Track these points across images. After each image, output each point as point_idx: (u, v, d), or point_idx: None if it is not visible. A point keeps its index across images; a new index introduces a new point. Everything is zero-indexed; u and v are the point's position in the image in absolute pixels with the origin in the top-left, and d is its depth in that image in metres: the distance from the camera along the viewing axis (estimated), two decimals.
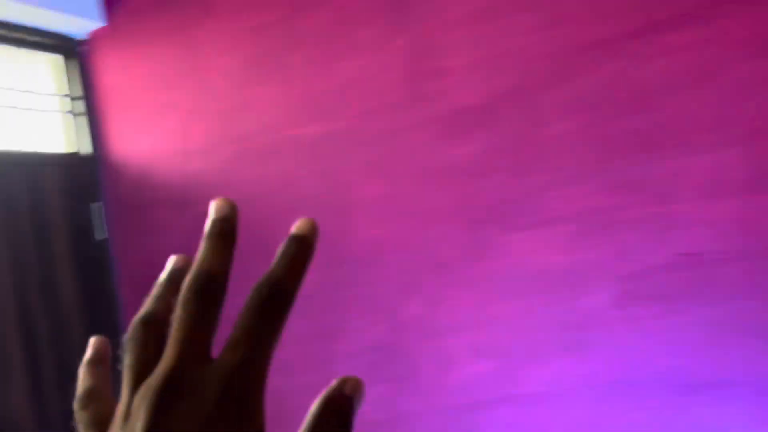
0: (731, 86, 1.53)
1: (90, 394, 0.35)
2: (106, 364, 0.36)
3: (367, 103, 1.96)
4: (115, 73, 2.24)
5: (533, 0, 1.74)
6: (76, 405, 0.34)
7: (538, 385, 1.77)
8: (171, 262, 0.36)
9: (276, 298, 0.31)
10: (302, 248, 0.33)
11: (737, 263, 1.54)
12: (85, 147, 2.27)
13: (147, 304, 0.34)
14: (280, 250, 0.33)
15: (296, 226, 0.34)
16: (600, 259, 1.68)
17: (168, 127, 2.17)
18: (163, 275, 0.36)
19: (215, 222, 0.34)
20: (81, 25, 2.21)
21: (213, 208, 0.35)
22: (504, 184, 1.80)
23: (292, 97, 2.05)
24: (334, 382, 0.31)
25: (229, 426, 0.29)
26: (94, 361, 0.37)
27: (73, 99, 2.28)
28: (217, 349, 0.31)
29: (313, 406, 0.31)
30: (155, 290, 0.35)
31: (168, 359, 0.31)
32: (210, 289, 0.32)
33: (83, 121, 2.27)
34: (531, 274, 1.77)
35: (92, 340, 0.37)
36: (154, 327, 0.33)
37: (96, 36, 2.25)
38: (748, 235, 1.53)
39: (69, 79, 2.29)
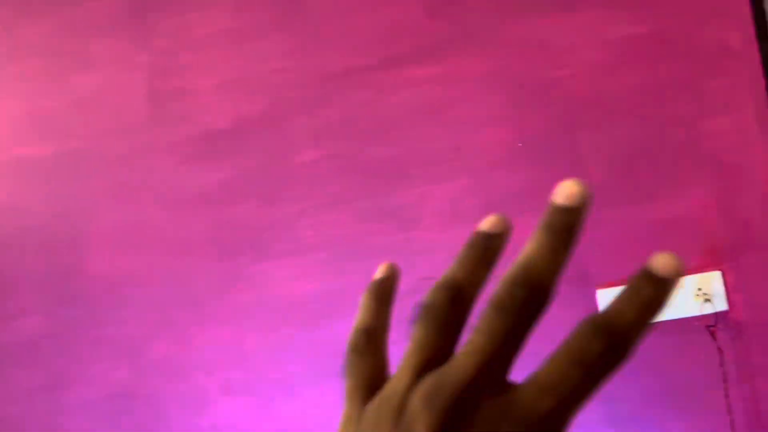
0: (463, 120, 1.64)
1: (371, 338, 0.30)
2: (390, 302, 0.32)
3: (104, 122, 1.77)
4: None
5: (281, 26, 1.70)
6: (352, 342, 0.30)
7: (292, 419, 1.73)
8: (490, 223, 0.29)
9: (614, 347, 0.24)
10: (658, 296, 0.25)
11: None
12: None
13: (452, 267, 0.28)
14: (626, 290, 0.25)
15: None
16: (352, 286, 1.69)
17: None
18: (476, 238, 0.28)
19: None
20: None
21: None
22: (255, 212, 1.73)
23: (17, 112, 1.79)
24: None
25: None
26: (381, 295, 0.32)
27: None
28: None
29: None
30: (463, 253, 0.28)
31: (467, 365, 0.25)
32: (537, 299, 0.25)
33: None
34: (285, 304, 1.72)
35: (383, 267, 0.33)
36: (459, 306, 0.27)
37: None
38: None
39: None
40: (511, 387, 0.26)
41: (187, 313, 1.76)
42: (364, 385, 0.29)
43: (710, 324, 1.53)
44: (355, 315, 0.30)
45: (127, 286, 1.78)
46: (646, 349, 1.57)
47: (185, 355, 1.76)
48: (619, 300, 0.25)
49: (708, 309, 1.53)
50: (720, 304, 1.53)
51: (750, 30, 1.53)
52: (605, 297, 1.58)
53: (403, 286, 1.67)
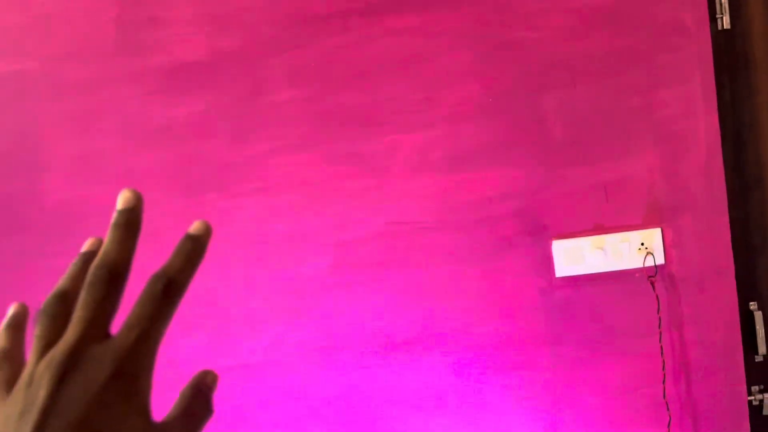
0: (436, 72, 1.70)
1: (3, 355, 0.37)
2: (22, 330, 0.41)
3: (68, 45, 1.70)
4: None
5: None
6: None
7: (253, 354, 1.75)
8: (86, 244, 0.42)
9: (169, 289, 0.37)
10: (196, 247, 0.40)
11: (436, 232, 1.72)
12: None
13: (61, 281, 0.39)
14: (176, 247, 0.39)
15: (192, 227, 0.40)
16: (320, 228, 1.73)
17: None
18: (78, 256, 0.40)
19: (121, 213, 0.39)
20: None
21: (119, 199, 0.40)
22: (224, 149, 1.73)
23: None
24: (197, 374, 0.40)
25: (118, 397, 0.33)
26: (12, 326, 0.40)
27: None
28: (115, 330, 0.36)
29: (183, 390, 0.39)
30: (70, 269, 0.40)
31: (70, 335, 0.35)
32: (112, 275, 0.37)
33: None
34: (252, 240, 1.74)
35: (12, 307, 0.41)
36: (65, 303, 0.37)
37: None
38: (444, 208, 1.71)
39: None
40: (110, 338, 0.36)
41: (146, 247, 1.73)
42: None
43: (651, 275, 1.68)
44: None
45: (84, 215, 1.73)
46: (591, 296, 1.71)
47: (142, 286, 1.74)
48: (172, 255, 0.39)
49: (649, 262, 1.68)
50: (659, 258, 1.68)
51: (703, 10, 1.67)
52: (559, 246, 1.69)
53: (372, 228, 1.72)
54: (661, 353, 1.67)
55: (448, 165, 1.71)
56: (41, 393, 0.32)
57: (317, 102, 1.71)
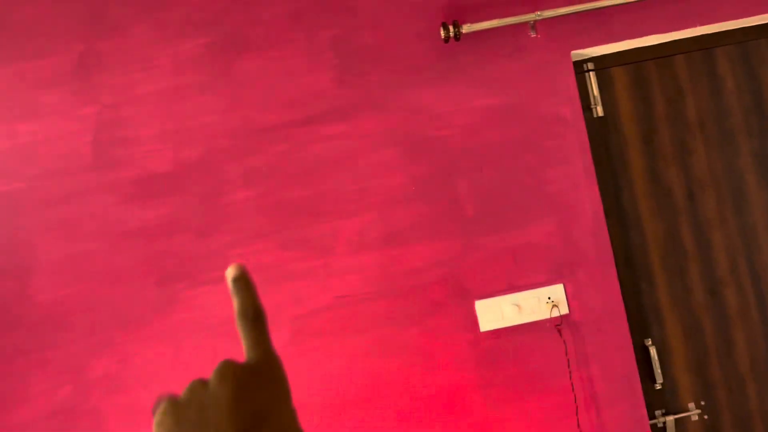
0: (367, 167, 2.04)
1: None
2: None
3: (49, 165, 1.99)
4: None
5: (214, 87, 2.04)
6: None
7: None
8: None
9: (260, 318, 0.46)
10: (247, 283, 0.47)
11: (377, 300, 2.02)
12: None
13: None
14: (234, 290, 0.46)
15: (231, 272, 0.47)
16: (278, 305, 2.01)
17: None
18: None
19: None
20: None
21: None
22: (191, 244, 2.02)
23: None
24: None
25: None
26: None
27: None
28: None
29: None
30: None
31: None
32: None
33: None
34: (220, 322, 2.01)
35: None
36: None
37: None
38: (383, 278, 2.03)
39: None
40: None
41: (127, 334, 1.99)
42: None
43: (558, 323, 2.02)
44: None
45: (70, 312, 1.98)
46: (511, 345, 2.03)
47: (126, 373, 1.98)
48: (238, 296, 0.46)
49: (555, 313, 2.01)
50: (564, 309, 2.02)
51: (577, 105, 2.08)
52: (481, 305, 2.02)
53: (323, 301, 2.02)
54: (572, 389, 1.99)
55: (383, 243, 2.04)
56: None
57: (269, 198, 2.03)
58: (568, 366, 2.01)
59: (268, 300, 2.01)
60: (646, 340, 2.15)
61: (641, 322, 2.16)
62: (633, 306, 2.16)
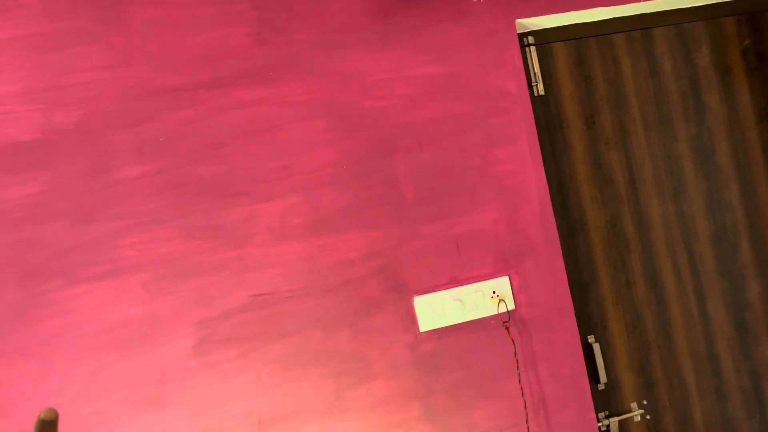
0: (290, 141, 1.73)
1: None
2: None
3: None
4: None
5: (97, 36, 1.63)
6: None
7: None
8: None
9: None
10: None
11: (302, 299, 1.71)
12: None
13: None
14: None
15: (42, 413, 0.49)
16: (178, 307, 1.64)
17: None
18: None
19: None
20: None
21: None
22: (66, 232, 1.60)
23: None
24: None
25: None
26: None
27: None
28: None
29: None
30: None
31: None
32: None
33: None
34: (103, 328, 1.60)
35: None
36: None
37: None
38: (309, 273, 1.72)
39: None
40: None
41: None
42: None
43: (505, 321, 1.80)
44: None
45: None
46: (454, 346, 1.79)
47: None
48: None
49: (503, 308, 1.80)
50: (510, 304, 1.81)
51: (522, 79, 1.88)
52: (421, 301, 1.76)
53: (236, 302, 1.67)
54: (522, 393, 1.79)
55: (309, 231, 1.72)
56: None
57: (168, 175, 1.65)
58: (518, 368, 1.80)
59: (166, 300, 1.63)
60: (589, 337, 2.00)
61: (584, 318, 2.00)
62: (576, 300, 2.00)
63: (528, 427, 1.79)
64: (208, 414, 1.64)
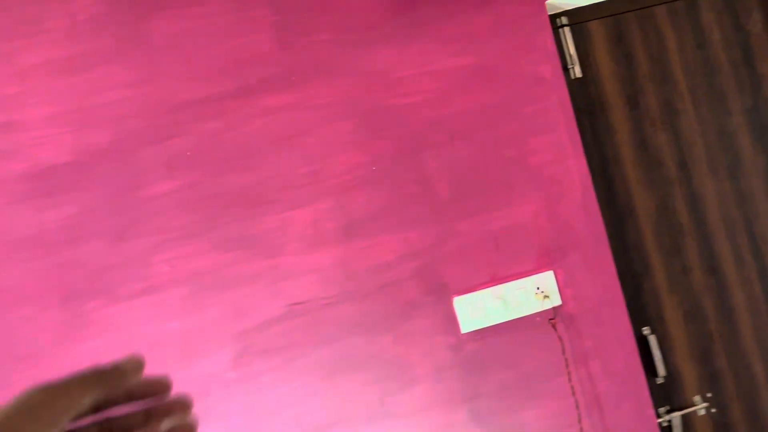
0: (319, 145, 1.70)
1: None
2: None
3: None
4: None
5: (122, 55, 1.64)
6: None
7: None
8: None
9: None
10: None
11: (340, 305, 1.68)
12: None
13: None
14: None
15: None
16: (216, 320, 1.64)
17: None
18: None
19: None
20: None
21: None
22: (103, 252, 1.61)
23: None
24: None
25: None
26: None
27: None
28: None
29: None
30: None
31: None
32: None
33: None
34: (144, 345, 1.62)
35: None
36: None
37: None
38: (346, 279, 1.69)
39: None
40: None
41: (25, 369, 1.57)
42: None
43: (551, 317, 1.73)
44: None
45: None
46: (498, 347, 1.73)
47: None
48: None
49: (548, 305, 1.73)
50: (556, 300, 1.74)
51: (556, 62, 1.79)
52: (461, 302, 1.71)
53: (273, 312, 1.66)
54: (572, 392, 1.71)
55: (342, 235, 1.69)
56: None
57: (199, 189, 1.65)
58: (567, 366, 1.73)
59: (204, 314, 1.64)
60: (644, 329, 1.90)
61: (637, 309, 1.90)
62: (627, 291, 1.90)
63: (581, 428, 1.71)
64: (252, 425, 1.64)
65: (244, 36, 1.68)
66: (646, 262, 1.92)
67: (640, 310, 1.90)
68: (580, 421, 1.71)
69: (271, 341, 1.66)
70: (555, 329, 1.73)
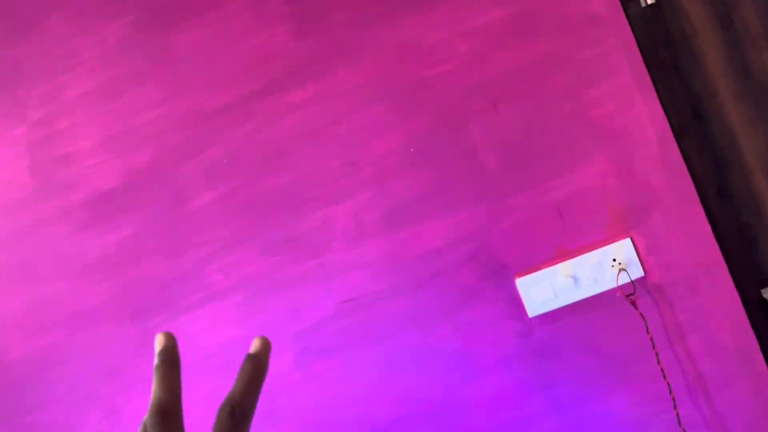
0: (351, 134, 1.60)
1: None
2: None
3: None
4: None
5: (150, 74, 1.66)
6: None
7: None
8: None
9: (235, 415, 0.41)
10: (256, 366, 0.44)
11: (392, 299, 1.60)
12: None
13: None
14: (239, 370, 0.44)
15: (252, 346, 0.45)
16: (272, 323, 1.64)
17: None
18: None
19: (159, 354, 0.43)
20: None
21: (156, 343, 0.43)
22: (162, 267, 1.67)
23: None
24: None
25: None
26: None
27: None
28: None
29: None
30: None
31: None
32: (165, 416, 0.39)
33: None
34: (210, 352, 1.67)
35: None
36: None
37: None
38: (395, 270, 1.60)
39: None
40: None
41: (111, 382, 1.69)
42: None
43: (629, 293, 1.51)
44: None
45: (45, 367, 1.71)
46: (572, 329, 1.55)
47: (120, 426, 1.69)
48: (236, 380, 0.43)
49: (624, 279, 1.51)
50: (636, 271, 1.51)
51: None
52: (525, 283, 1.55)
53: (325, 311, 1.63)
54: (663, 375, 1.49)
55: (386, 225, 1.60)
56: None
57: (239, 195, 1.64)
58: (654, 346, 1.50)
59: (259, 319, 1.64)
60: (763, 291, 1.60)
61: (752, 269, 1.60)
62: (737, 248, 1.60)
63: (677, 414, 1.49)
64: (320, 425, 1.64)
65: (262, 32, 1.62)
66: (759, 210, 1.60)
67: (756, 268, 1.60)
68: (675, 407, 1.49)
69: (329, 340, 1.63)
70: (636, 307, 1.50)
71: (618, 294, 1.52)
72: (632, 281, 1.50)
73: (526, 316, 1.56)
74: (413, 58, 1.58)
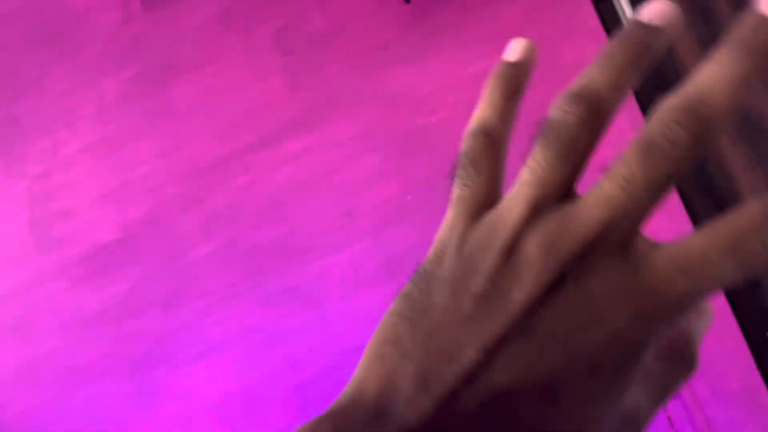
0: (348, 183, 1.61)
1: (489, 143, 0.26)
2: (520, 96, 0.28)
3: None
4: None
5: (148, 129, 1.67)
6: (467, 146, 0.26)
7: None
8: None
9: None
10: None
11: None
12: None
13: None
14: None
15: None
16: (274, 375, 1.62)
17: None
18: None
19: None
20: None
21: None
22: (159, 320, 1.66)
23: None
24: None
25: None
26: (511, 85, 0.27)
27: None
28: None
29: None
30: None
31: (595, 217, 0.21)
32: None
33: None
34: (209, 406, 1.64)
35: (518, 45, 0.27)
36: (593, 127, 0.23)
37: None
38: None
39: None
40: (639, 252, 0.21)
41: None
42: (474, 197, 0.25)
43: None
44: (475, 108, 0.28)
45: (42, 425, 1.69)
46: None
47: None
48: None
49: None
50: None
51: (602, 41, 1.53)
52: None
53: (327, 361, 1.61)
54: (670, 423, 1.46)
55: (386, 273, 1.59)
56: (519, 295, 0.21)
57: (236, 247, 1.64)
58: None
59: (259, 372, 1.62)
60: None
61: (756, 310, 1.58)
62: (741, 290, 1.58)
63: None
64: None
65: (256, 84, 1.64)
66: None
67: (762, 309, 1.58)
68: None
69: (331, 392, 1.61)
70: None
71: None
72: None
73: None
74: (405, 108, 1.59)
